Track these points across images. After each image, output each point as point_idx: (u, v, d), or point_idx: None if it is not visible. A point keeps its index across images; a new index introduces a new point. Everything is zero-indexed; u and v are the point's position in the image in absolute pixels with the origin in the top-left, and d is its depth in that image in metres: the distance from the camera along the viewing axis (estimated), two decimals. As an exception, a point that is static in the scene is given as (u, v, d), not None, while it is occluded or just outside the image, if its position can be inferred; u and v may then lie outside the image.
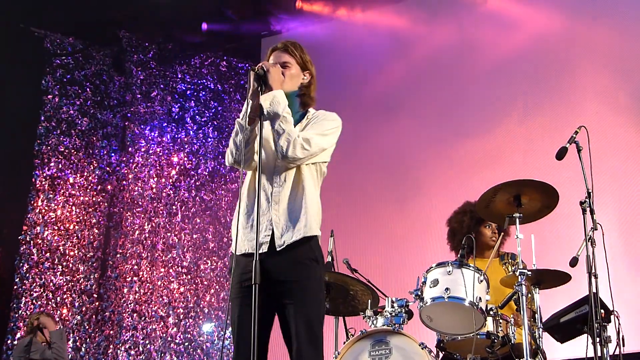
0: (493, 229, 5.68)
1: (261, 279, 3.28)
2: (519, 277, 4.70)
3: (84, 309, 9.38)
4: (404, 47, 9.06)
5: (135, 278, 9.59)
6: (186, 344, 9.50)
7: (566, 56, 8.09)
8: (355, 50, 9.30)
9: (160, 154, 10.13)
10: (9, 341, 8.85)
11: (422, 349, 4.71)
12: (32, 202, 9.35)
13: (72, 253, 9.44)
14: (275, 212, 3.52)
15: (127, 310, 9.47)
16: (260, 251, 3.43)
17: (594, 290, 4.52)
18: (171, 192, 10.00)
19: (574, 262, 4.58)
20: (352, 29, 9.51)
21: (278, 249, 3.46)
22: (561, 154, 4.80)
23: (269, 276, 3.40)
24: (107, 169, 9.98)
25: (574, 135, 4.90)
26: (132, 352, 9.34)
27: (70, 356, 8.97)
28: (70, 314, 9.13)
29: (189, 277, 9.75)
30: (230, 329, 3.51)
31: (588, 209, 4.71)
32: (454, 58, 8.72)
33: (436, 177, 8.32)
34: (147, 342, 9.39)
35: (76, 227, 9.54)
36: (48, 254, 9.26)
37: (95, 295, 9.52)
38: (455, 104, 8.53)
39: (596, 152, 4.85)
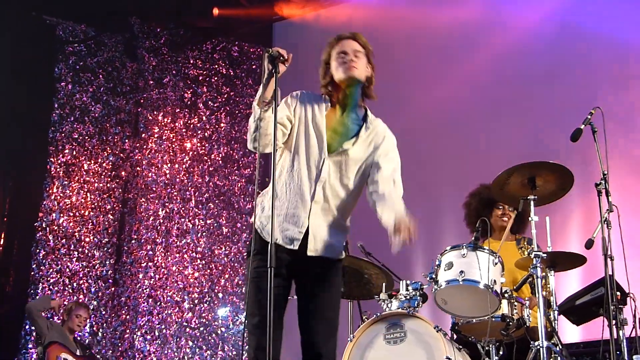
0: (505, 209, 5.67)
1: (287, 269, 3.40)
2: (534, 259, 4.68)
3: (100, 294, 9.44)
4: (420, 28, 8.98)
5: (150, 263, 9.64)
6: (201, 328, 9.55)
7: (584, 35, 8.01)
8: (369, 32, 9.22)
9: (173, 139, 10.15)
10: (27, 326, 8.93)
11: (437, 331, 4.71)
12: (48, 189, 9.41)
13: (87, 239, 9.49)
14: (314, 213, 3.49)
15: (143, 295, 9.52)
16: (292, 247, 3.45)
17: (610, 273, 4.50)
18: (184, 177, 10.02)
19: (589, 244, 4.56)
20: (366, 11, 9.45)
21: (308, 253, 3.45)
22: (576, 135, 4.77)
23: (293, 269, 3.43)
24: (121, 155, 10.01)
25: (589, 117, 4.86)
26: (148, 337, 9.40)
27: (87, 341, 9.05)
28: (86, 300, 9.19)
29: (204, 262, 9.79)
30: (247, 308, 3.50)
31: (603, 191, 4.69)
32: (469, 38, 8.66)
33: (450, 159, 8.29)
34: (162, 326, 9.45)
35: (91, 213, 9.59)
36: (64, 240, 9.33)
37: (111, 281, 9.58)
38: (470, 85, 8.48)
39: (612, 133, 4.81)
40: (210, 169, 10.13)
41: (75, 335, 7.82)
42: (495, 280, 4.68)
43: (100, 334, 9.29)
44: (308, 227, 3.46)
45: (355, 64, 3.56)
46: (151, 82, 10.28)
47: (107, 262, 9.60)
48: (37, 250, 9.18)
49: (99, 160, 9.81)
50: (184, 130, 10.21)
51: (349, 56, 3.56)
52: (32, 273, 9.13)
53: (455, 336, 5.06)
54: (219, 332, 9.57)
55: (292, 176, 3.51)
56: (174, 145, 10.12)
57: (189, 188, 9.99)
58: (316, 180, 3.49)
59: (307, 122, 3.55)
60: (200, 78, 10.44)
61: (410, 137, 8.47)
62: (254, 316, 3.40)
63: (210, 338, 9.54)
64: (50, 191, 9.41)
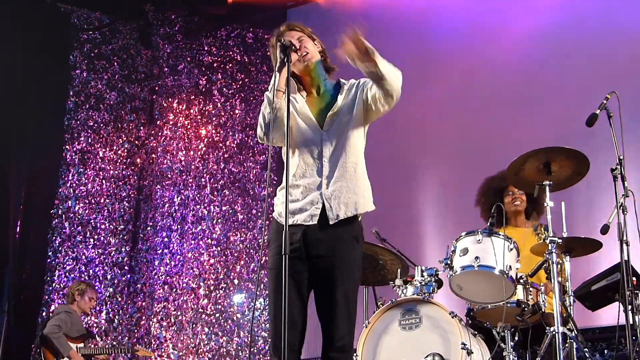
0: (515, 193, 5.68)
1: (300, 252, 3.39)
2: (550, 245, 4.67)
3: (116, 281, 9.50)
4: (435, 13, 8.92)
5: (165, 250, 9.68)
6: (217, 315, 9.57)
7: (600, 23, 7.94)
8: (382, 18, 9.21)
9: (188, 126, 10.16)
10: (44, 313, 9.00)
11: (452, 317, 4.71)
12: (63, 176, 9.47)
13: (103, 226, 9.54)
14: (325, 186, 3.51)
15: (159, 282, 9.57)
16: (310, 223, 3.46)
17: (626, 258, 4.48)
18: (200, 164, 10.03)
19: (605, 230, 4.54)
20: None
21: (331, 222, 3.46)
22: (591, 120, 4.74)
23: (308, 250, 3.43)
24: (136, 142, 10.04)
25: (605, 102, 4.83)
26: (164, 324, 9.45)
27: (103, 328, 9.12)
28: (102, 287, 9.26)
29: (219, 249, 9.80)
30: (264, 299, 3.55)
31: (619, 176, 4.66)
32: (484, 24, 8.59)
33: (466, 144, 8.24)
34: (178, 313, 9.49)
35: (107, 200, 9.64)
36: (80, 228, 9.38)
37: (126, 268, 9.63)
38: (486, 71, 8.42)
39: (630, 118, 4.77)
40: (225, 155, 10.13)
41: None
42: (510, 266, 4.68)
43: (116, 320, 9.34)
44: (324, 202, 3.49)
45: (305, 50, 3.65)
46: (166, 69, 10.29)
47: (123, 249, 9.65)
48: (53, 238, 9.24)
49: (115, 147, 9.85)
50: (198, 117, 10.22)
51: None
52: (48, 260, 9.19)
53: (470, 322, 5.06)
54: (235, 318, 9.59)
55: (299, 163, 3.57)
56: (189, 132, 10.14)
57: (204, 175, 10.00)
58: (320, 157, 3.55)
59: (296, 117, 3.63)
60: (215, 65, 10.44)
61: (425, 124, 8.48)
62: (271, 303, 3.45)
63: (226, 324, 9.57)
64: (66, 178, 9.46)
